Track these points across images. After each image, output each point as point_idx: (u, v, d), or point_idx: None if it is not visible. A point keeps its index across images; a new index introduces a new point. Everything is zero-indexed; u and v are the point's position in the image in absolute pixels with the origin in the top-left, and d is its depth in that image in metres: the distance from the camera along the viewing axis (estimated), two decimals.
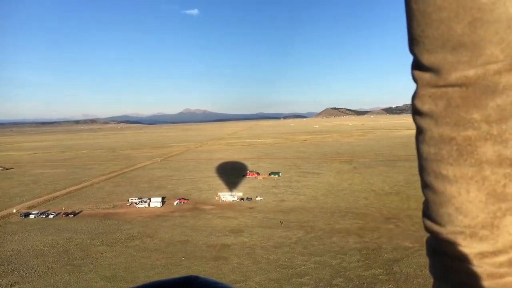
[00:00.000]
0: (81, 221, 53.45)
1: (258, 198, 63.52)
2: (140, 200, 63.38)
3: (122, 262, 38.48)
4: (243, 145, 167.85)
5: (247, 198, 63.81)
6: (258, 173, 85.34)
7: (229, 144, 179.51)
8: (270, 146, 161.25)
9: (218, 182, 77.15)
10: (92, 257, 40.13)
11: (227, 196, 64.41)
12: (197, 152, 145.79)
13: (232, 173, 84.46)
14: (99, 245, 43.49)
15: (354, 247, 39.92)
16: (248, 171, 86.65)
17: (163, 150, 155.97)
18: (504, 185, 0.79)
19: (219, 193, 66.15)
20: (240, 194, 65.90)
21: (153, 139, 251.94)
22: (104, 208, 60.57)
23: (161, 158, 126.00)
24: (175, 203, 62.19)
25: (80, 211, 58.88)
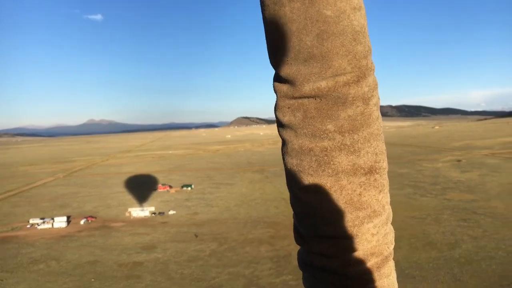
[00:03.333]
0: None
1: (171, 212, 62.88)
2: (42, 220, 59.34)
3: None
4: (153, 157, 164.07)
5: (160, 213, 62.85)
6: (170, 186, 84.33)
7: (139, 156, 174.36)
8: (181, 157, 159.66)
9: (128, 197, 74.91)
10: None
11: (138, 212, 62.83)
12: (104, 166, 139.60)
13: (142, 187, 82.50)
14: None
15: (266, 256, 41.41)
16: (160, 185, 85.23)
17: (66, 165, 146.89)
18: (360, 194, 0.81)
19: (130, 209, 64.33)
20: (152, 209, 64.71)
21: (54, 153, 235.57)
22: (1, 232, 55.83)
23: (64, 174, 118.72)
24: (82, 222, 59.24)
25: None
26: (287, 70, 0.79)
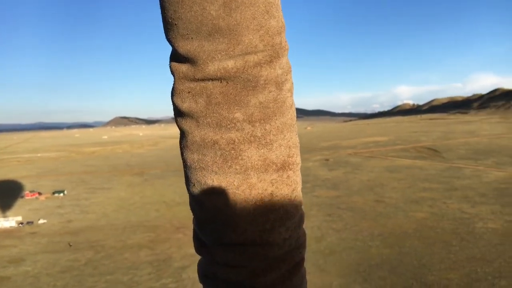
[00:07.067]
0: None
1: (41, 221, 58.75)
2: None
3: None
4: (19, 161, 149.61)
5: (28, 222, 58.32)
6: (39, 193, 78.25)
7: (1, 160, 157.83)
8: (53, 160, 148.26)
9: None
10: None
11: (2, 222, 57.57)
12: None
13: (7, 195, 75.39)
14: None
15: (145, 260, 41.37)
16: (27, 191, 78.60)
17: None
18: (272, 193, 0.68)
19: None
20: (19, 218, 59.75)
21: None
22: None
23: None
24: None
25: None
26: (187, 46, 0.62)
